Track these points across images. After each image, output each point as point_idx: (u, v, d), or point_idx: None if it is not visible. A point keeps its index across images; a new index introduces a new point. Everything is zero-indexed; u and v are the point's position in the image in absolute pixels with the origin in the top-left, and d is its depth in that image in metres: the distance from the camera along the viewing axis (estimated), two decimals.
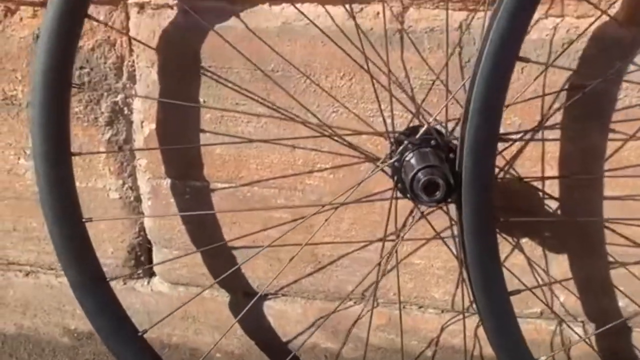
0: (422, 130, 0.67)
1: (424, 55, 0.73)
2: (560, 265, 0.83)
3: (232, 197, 0.84)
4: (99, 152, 0.84)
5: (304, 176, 0.82)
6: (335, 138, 0.76)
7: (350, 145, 0.75)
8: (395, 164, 0.66)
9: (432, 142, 0.65)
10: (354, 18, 0.71)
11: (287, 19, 0.74)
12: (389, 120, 0.74)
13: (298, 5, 0.74)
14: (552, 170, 0.77)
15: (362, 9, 0.73)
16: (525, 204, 0.78)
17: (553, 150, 0.76)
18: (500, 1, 0.58)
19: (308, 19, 0.72)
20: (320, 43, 0.74)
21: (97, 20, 0.76)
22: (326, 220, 0.81)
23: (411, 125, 0.73)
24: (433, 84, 0.72)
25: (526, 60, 0.60)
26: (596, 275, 0.83)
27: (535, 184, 0.78)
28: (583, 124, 0.74)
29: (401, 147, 0.66)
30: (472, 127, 0.58)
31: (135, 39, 0.77)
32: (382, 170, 0.73)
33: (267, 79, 0.77)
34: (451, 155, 0.65)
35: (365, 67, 0.72)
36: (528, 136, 0.73)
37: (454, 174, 0.63)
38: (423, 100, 0.73)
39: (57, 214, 0.70)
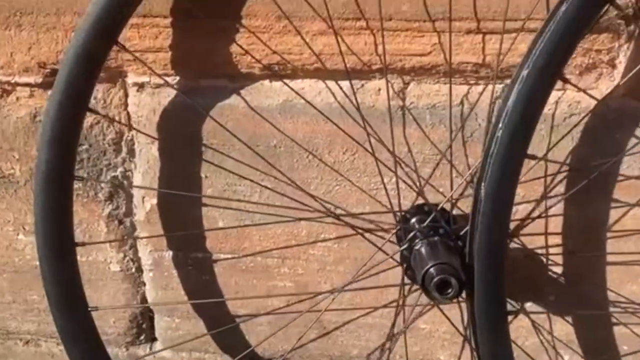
0: (429, 219, 0.67)
1: (426, 131, 0.73)
2: (564, 325, 0.84)
3: (234, 268, 0.84)
4: (102, 242, 0.83)
5: (307, 246, 0.82)
6: (342, 217, 0.75)
7: (354, 228, 0.74)
8: (404, 252, 0.66)
9: (441, 230, 0.65)
10: (354, 94, 0.71)
11: (288, 97, 0.74)
12: (392, 193, 0.75)
13: (299, 81, 0.74)
14: (556, 237, 0.77)
15: (362, 85, 0.73)
16: (529, 272, 0.79)
17: (556, 219, 0.76)
18: (507, 98, 0.58)
19: (305, 100, 0.72)
20: (322, 120, 0.74)
21: (99, 114, 0.75)
22: (333, 299, 0.80)
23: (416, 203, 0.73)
24: (439, 162, 0.72)
25: (532, 157, 0.60)
26: (600, 335, 0.84)
27: (538, 251, 0.79)
28: (586, 195, 0.74)
29: (410, 235, 0.66)
30: (482, 229, 0.58)
31: (136, 129, 0.76)
32: (387, 253, 0.73)
33: (269, 153, 0.76)
34: (459, 242, 0.65)
35: (368, 144, 0.72)
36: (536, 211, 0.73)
37: (464, 264, 0.63)
38: (428, 179, 0.73)
39: (62, 304, 0.69)
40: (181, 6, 0.69)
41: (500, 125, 0.58)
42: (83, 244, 0.73)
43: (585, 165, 0.72)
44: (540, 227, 0.75)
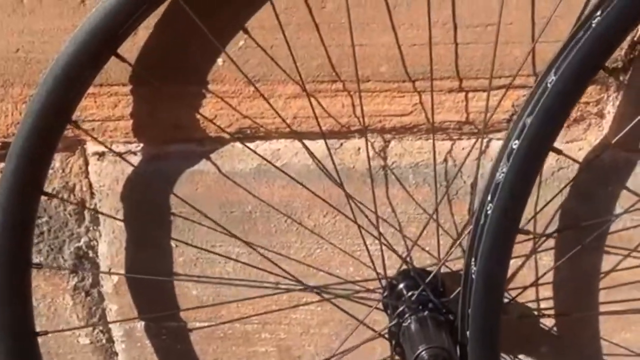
0: (416, 293, 0.63)
1: (410, 191, 0.69)
2: None
3: (212, 335, 0.79)
4: (64, 330, 0.77)
5: (289, 310, 0.77)
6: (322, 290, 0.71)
7: (337, 306, 0.70)
8: (392, 328, 0.62)
9: (430, 304, 0.61)
10: (331, 157, 0.67)
11: (262, 160, 0.69)
12: (377, 253, 0.71)
13: (274, 141, 0.69)
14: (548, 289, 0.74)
15: (341, 145, 0.69)
16: (522, 330, 0.76)
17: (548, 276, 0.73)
18: (494, 170, 0.54)
19: (277, 167, 0.67)
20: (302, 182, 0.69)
21: (54, 196, 0.69)
22: None
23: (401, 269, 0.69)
24: (426, 225, 0.68)
25: (526, 232, 0.57)
26: None
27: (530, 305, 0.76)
28: (578, 251, 0.72)
29: (398, 310, 0.62)
30: (476, 306, 0.55)
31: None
32: (373, 329, 0.69)
33: (244, 219, 0.72)
34: (450, 316, 0.61)
35: (348, 206, 0.67)
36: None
37: (455, 340, 0.59)
38: (415, 241, 0.69)
39: None
40: (140, 74, 0.64)
41: (490, 199, 0.54)
42: (45, 333, 0.67)
43: (576, 220, 0.69)
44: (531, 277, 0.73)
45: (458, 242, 0.70)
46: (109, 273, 0.75)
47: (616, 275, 0.73)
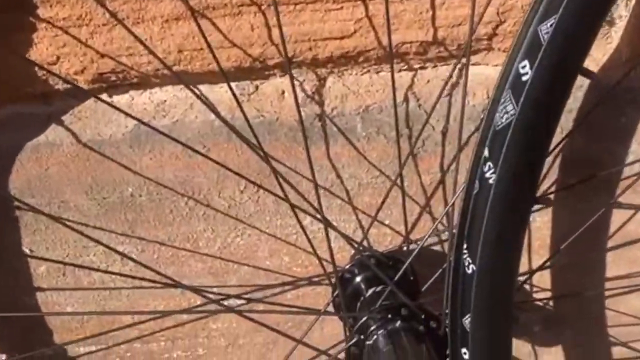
0: (381, 292, 0.43)
1: (360, 147, 0.49)
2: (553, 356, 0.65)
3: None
4: None
5: (207, 320, 0.57)
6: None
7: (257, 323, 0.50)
8: (352, 349, 0.43)
9: (403, 310, 0.42)
10: (241, 107, 0.45)
11: (141, 118, 0.46)
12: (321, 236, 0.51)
13: (156, 90, 0.47)
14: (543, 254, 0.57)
15: (257, 88, 0.48)
16: None
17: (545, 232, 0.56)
18: (494, 106, 0.34)
19: (157, 130, 0.45)
20: (202, 148, 0.48)
21: None
22: None
23: (357, 256, 0.49)
24: (388, 193, 0.48)
25: (547, 202, 0.38)
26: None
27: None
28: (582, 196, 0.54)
29: (359, 323, 0.43)
30: (477, 316, 0.36)
31: None
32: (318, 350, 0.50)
33: (125, 206, 0.50)
34: (432, 323, 0.42)
35: (273, 176, 0.47)
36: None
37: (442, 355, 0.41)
38: (371, 223, 0.49)
39: None
40: None
41: (488, 155, 0.35)
42: None
43: (587, 163, 0.51)
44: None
45: (425, 209, 0.51)
46: None
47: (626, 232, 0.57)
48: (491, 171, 0.34)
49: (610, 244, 0.57)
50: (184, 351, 0.59)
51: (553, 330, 0.63)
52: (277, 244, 0.53)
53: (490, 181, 0.34)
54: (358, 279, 0.48)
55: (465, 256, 0.36)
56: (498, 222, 0.34)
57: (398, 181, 0.48)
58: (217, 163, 0.45)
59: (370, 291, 0.46)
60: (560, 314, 0.61)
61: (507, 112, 0.34)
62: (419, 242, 0.48)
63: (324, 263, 0.49)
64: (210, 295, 0.49)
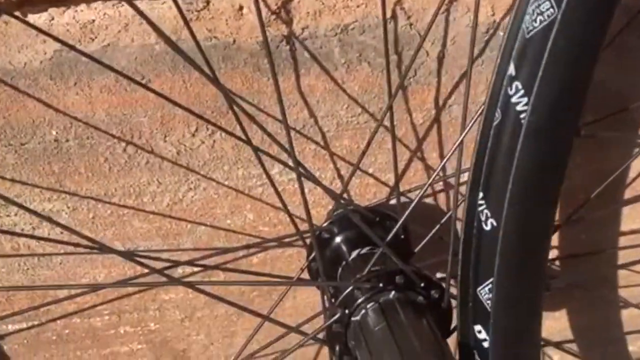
0: (373, 259, 0.35)
1: (337, 77, 0.40)
2: (557, 321, 0.58)
3: (38, 340, 0.49)
4: None
5: (159, 289, 0.48)
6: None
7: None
8: (334, 326, 0.34)
9: (398, 278, 0.34)
10: (188, 26, 0.36)
11: (64, 45, 0.37)
12: (293, 188, 0.42)
13: (82, 8, 0.37)
14: None
15: (208, 2, 0.38)
16: None
17: None
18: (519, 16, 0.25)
19: (97, 60, 0.36)
20: (141, 78, 0.38)
21: None
22: None
23: (337, 210, 0.40)
24: (373, 135, 0.39)
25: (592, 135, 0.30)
26: (602, 324, 0.60)
27: None
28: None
29: (343, 295, 0.34)
30: (501, 285, 0.28)
31: None
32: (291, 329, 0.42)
33: (49, 155, 0.40)
34: (434, 293, 0.34)
35: (232, 114, 0.37)
36: None
37: (447, 332, 0.33)
38: (353, 171, 0.41)
39: None
40: None
41: (511, 82, 0.26)
42: None
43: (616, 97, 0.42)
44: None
45: (416, 154, 0.43)
46: None
47: None
48: (519, 94, 0.26)
49: (627, 195, 0.50)
50: (132, 326, 0.50)
51: (557, 294, 0.57)
52: (238, 198, 0.44)
53: (519, 107, 0.26)
54: (338, 239, 0.39)
55: (482, 208, 0.28)
56: (532, 162, 0.26)
57: (385, 120, 0.39)
58: (162, 96, 0.35)
59: (354, 254, 0.38)
60: (568, 276, 0.54)
61: (541, 13, 0.25)
62: (412, 194, 0.39)
63: (297, 220, 0.40)
64: (157, 263, 0.40)
